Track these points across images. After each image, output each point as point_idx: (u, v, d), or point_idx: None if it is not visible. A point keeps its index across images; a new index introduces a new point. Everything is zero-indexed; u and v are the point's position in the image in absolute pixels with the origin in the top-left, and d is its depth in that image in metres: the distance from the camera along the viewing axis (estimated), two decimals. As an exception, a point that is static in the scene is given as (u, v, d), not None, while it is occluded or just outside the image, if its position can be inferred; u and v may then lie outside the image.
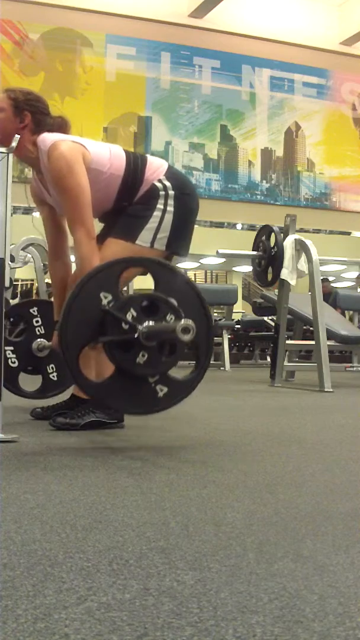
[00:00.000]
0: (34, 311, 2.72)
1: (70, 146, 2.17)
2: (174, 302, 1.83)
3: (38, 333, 2.73)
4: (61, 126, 2.36)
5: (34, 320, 2.72)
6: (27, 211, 2.67)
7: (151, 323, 1.77)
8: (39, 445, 1.86)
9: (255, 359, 10.07)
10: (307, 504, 1.23)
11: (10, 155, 1.95)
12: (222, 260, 13.83)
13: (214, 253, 5.42)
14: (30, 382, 2.83)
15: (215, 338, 8.04)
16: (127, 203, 2.25)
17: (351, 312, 7.62)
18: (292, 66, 11.05)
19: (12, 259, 5.75)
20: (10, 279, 6.01)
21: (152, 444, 2.00)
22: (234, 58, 10.70)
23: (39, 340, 2.73)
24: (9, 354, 2.66)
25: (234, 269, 15.92)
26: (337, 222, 11.18)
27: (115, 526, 1.05)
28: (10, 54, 9.61)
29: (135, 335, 1.75)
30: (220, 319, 7.91)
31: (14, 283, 7.36)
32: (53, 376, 2.77)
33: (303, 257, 4.71)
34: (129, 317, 1.76)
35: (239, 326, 9.52)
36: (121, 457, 1.70)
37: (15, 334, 2.74)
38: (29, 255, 6.13)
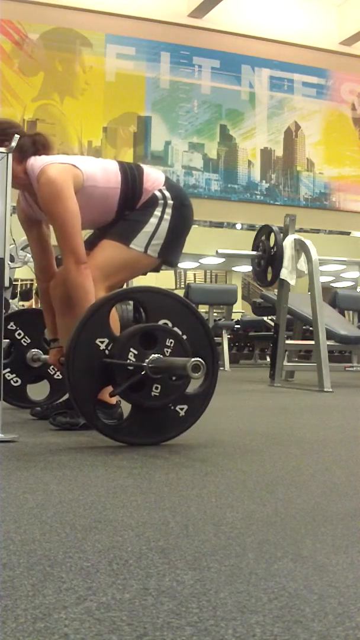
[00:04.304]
0: (12, 326, 2.73)
1: (59, 169, 2.15)
2: (168, 323, 1.85)
3: (25, 344, 2.75)
4: (44, 145, 2.30)
5: (16, 334, 2.73)
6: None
7: (156, 357, 1.78)
8: (38, 445, 1.86)
9: (254, 359, 10.07)
10: (306, 504, 1.23)
11: (10, 155, 1.94)
12: (222, 260, 13.82)
13: (214, 253, 5.42)
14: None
15: (215, 338, 8.04)
16: (128, 213, 2.27)
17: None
18: (292, 66, 11.04)
19: (12, 259, 5.75)
20: (10, 278, 6.01)
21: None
22: (234, 58, 10.70)
23: (32, 351, 2.75)
24: (8, 375, 2.67)
25: (233, 268, 15.91)
26: (337, 222, 11.17)
27: (115, 526, 1.05)
28: (10, 54, 9.60)
29: (143, 372, 1.77)
30: (219, 319, 7.91)
31: (14, 283, 7.36)
32: (57, 376, 2.78)
33: (302, 257, 4.71)
34: (131, 357, 1.77)
35: (238, 326, 9.51)
36: (121, 457, 1.70)
37: (5, 354, 2.74)
38: (29, 255, 6.13)
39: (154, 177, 2.29)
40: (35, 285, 10.59)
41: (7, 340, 2.71)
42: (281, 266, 4.68)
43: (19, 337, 2.73)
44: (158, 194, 2.26)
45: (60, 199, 2.12)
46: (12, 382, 2.71)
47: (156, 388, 1.80)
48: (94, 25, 9.91)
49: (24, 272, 11.36)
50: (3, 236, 1.92)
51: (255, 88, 10.91)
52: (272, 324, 5.52)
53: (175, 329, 1.85)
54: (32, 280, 12.27)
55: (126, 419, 1.90)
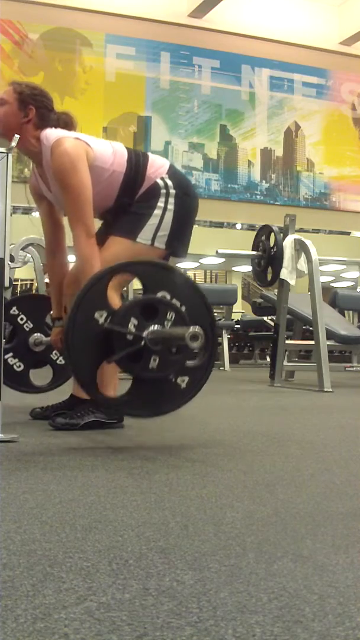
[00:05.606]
0: (14, 311, 2.72)
1: (74, 143, 2.18)
2: (167, 295, 1.84)
3: (28, 329, 2.74)
4: (67, 123, 2.34)
5: (19, 319, 2.73)
6: (27, 211, 2.68)
7: (155, 327, 1.78)
8: (38, 445, 1.86)
9: (254, 359, 10.07)
10: (306, 503, 1.23)
11: (10, 155, 1.94)
12: (222, 260, 13.83)
13: (214, 253, 5.42)
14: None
15: (215, 338, 8.03)
16: (128, 200, 2.26)
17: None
18: (292, 66, 11.04)
19: (12, 259, 5.75)
20: (10, 278, 6.01)
21: (151, 444, 2.00)
22: (234, 58, 10.69)
23: (34, 335, 2.74)
24: (10, 360, 2.67)
25: (233, 268, 15.91)
26: (337, 222, 11.17)
27: (115, 526, 1.05)
28: (10, 54, 9.60)
29: (142, 343, 1.76)
30: (219, 319, 7.90)
31: (14, 283, 7.36)
32: (60, 361, 2.77)
33: (302, 257, 4.71)
34: (131, 326, 1.76)
35: (238, 326, 9.52)
36: (121, 457, 1.70)
37: (8, 338, 2.74)
38: (29, 255, 6.14)
39: (157, 165, 2.29)
40: (35, 285, 10.59)
41: (8, 324, 2.71)
42: (281, 266, 4.68)
43: (21, 322, 2.73)
44: (160, 182, 2.25)
45: (75, 170, 2.13)
46: (14, 367, 2.70)
47: (154, 360, 1.79)
48: (94, 25, 9.91)
49: (24, 272, 11.37)
50: (3, 236, 1.92)
51: (255, 88, 10.91)
52: (272, 324, 5.52)
53: (174, 300, 1.85)
54: (32, 280, 12.27)
55: (126, 393, 1.88)
